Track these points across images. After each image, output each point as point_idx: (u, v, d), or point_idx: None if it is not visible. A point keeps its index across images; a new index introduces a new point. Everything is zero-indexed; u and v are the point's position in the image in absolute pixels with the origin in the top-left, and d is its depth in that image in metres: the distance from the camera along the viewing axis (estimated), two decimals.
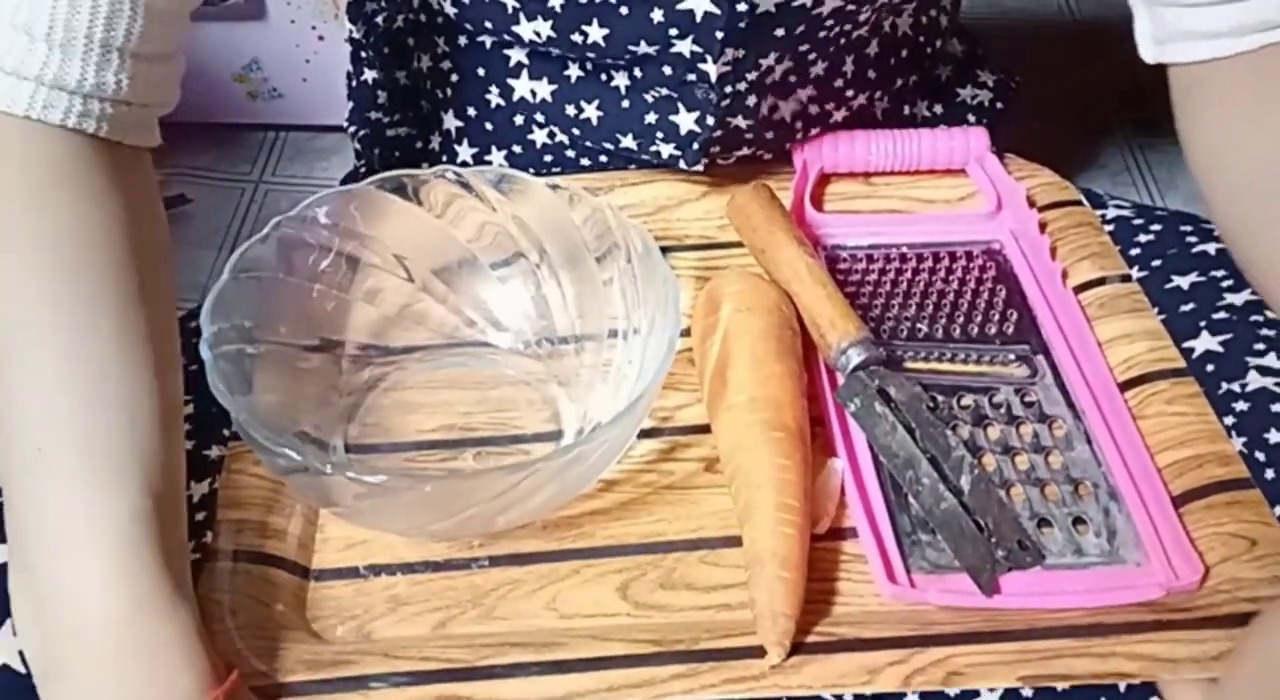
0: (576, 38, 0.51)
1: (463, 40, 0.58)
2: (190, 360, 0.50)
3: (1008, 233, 0.56)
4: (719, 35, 0.49)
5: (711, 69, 0.50)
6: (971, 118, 0.64)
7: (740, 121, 0.54)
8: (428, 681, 0.38)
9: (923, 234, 0.56)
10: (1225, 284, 0.50)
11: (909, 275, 0.54)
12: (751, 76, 0.52)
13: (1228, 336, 0.48)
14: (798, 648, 0.39)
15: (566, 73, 0.56)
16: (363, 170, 0.63)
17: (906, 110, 0.62)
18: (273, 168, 1.08)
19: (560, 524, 0.45)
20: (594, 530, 0.44)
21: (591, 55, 0.52)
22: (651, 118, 0.55)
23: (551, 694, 0.38)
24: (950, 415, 0.48)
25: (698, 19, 0.48)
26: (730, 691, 0.38)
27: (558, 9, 0.50)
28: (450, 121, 0.61)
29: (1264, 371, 0.46)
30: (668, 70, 0.52)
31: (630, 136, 0.56)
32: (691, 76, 0.51)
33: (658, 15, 0.49)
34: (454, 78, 0.60)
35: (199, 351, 0.41)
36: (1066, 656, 0.39)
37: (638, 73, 0.53)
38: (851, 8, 0.51)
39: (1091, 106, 1.04)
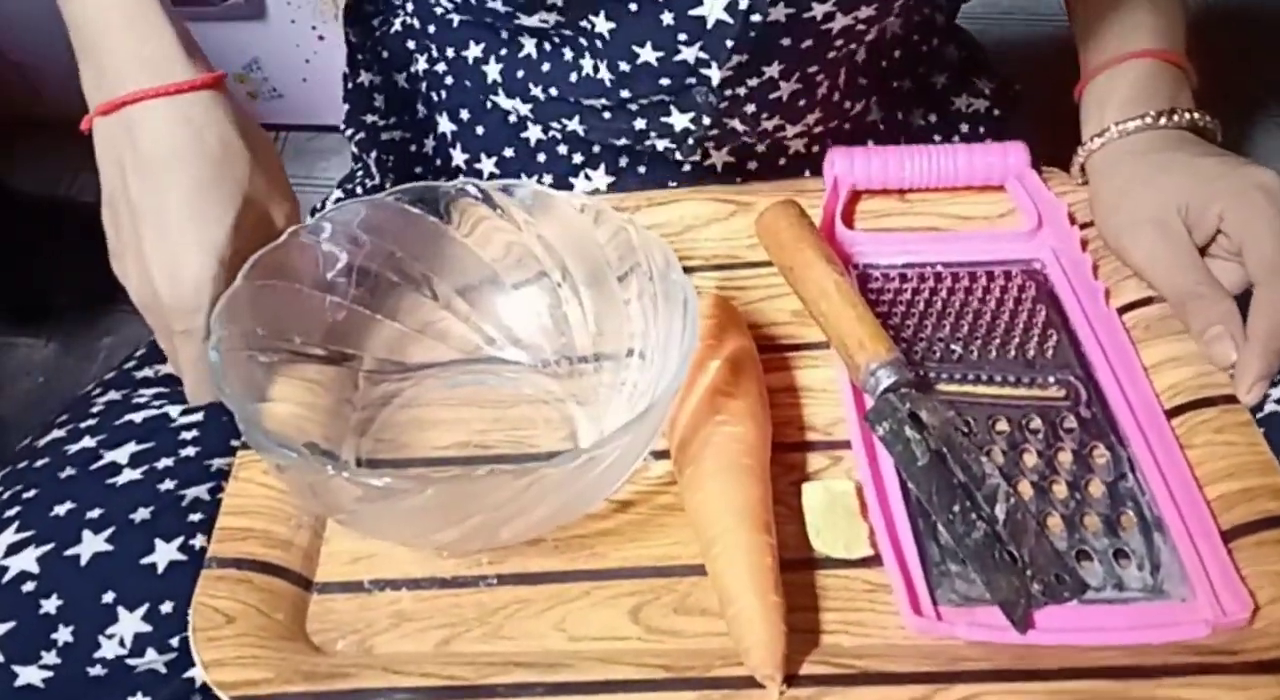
0: (584, 24, 0.50)
1: (450, 52, 0.58)
2: None
3: (1049, 251, 0.54)
4: (729, 43, 0.48)
5: (715, 74, 0.49)
6: (966, 127, 0.63)
7: (737, 125, 0.53)
8: (428, 699, 0.37)
9: (959, 253, 0.54)
10: None
11: (944, 295, 0.52)
12: (752, 82, 0.51)
13: None
14: (816, 680, 0.37)
15: (534, 93, 0.55)
16: (359, 172, 0.62)
17: (900, 116, 0.61)
18: None
19: (572, 544, 0.43)
20: (606, 551, 0.43)
21: (599, 44, 0.51)
22: (640, 123, 0.54)
23: None
24: (985, 440, 0.46)
25: (709, 26, 0.47)
26: None
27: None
28: (445, 125, 0.60)
29: None
30: (665, 81, 0.51)
31: (623, 138, 0.55)
32: (692, 80, 0.50)
33: (668, 18, 0.48)
34: (449, 81, 0.59)
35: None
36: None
37: (624, 92, 0.53)
38: (861, 27, 0.50)
39: None
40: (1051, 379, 0.48)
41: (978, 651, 0.38)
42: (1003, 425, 0.46)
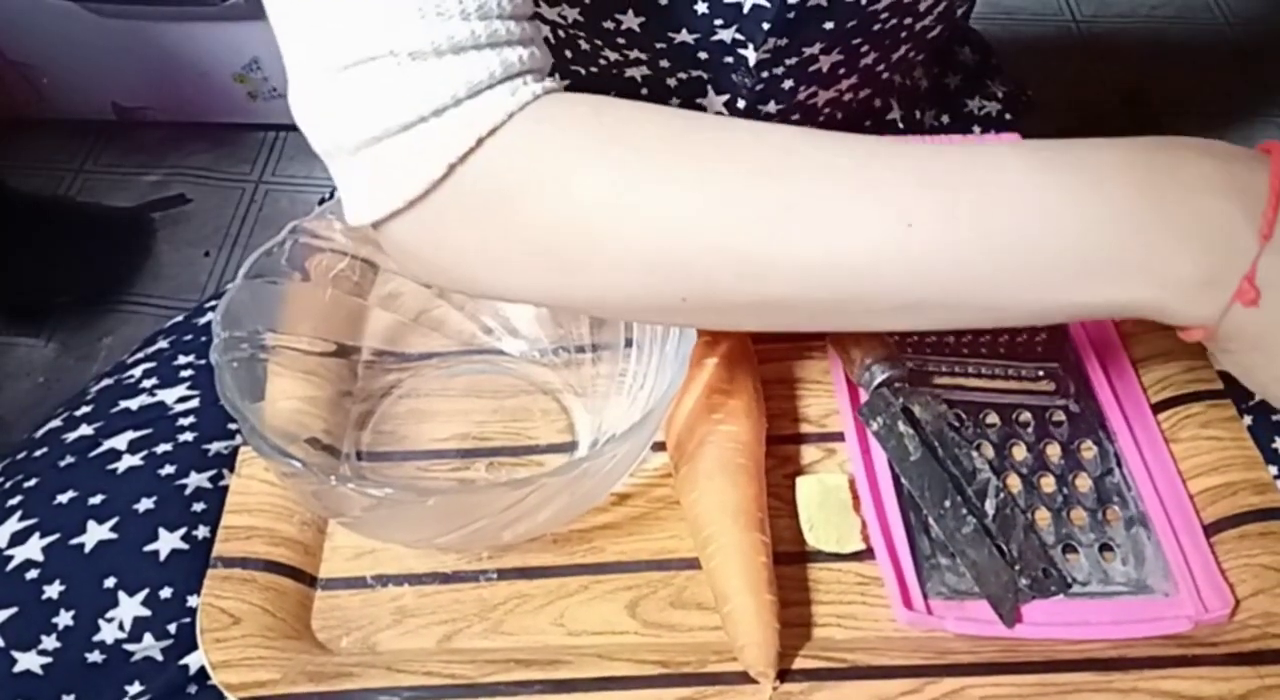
0: (608, 24, 0.50)
1: None
2: (200, 355, 0.51)
3: None
4: (765, 26, 0.47)
5: (751, 56, 0.49)
6: (978, 129, 0.63)
7: (771, 107, 0.53)
8: (431, 698, 0.38)
9: None
10: None
11: None
12: (791, 62, 0.50)
13: None
14: (808, 674, 0.38)
15: (575, 68, 0.55)
16: None
17: (918, 115, 0.61)
18: (273, 168, 1.09)
19: (571, 538, 0.44)
20: (605, 545, 0.44)
21: (621, 41, 0.51)
22: (674, 103, 0.53)
23: None
24: (976, 434, 0.46)
25: (745, 10, 0.47)
26: None
27: None
28: None
29: None
30: (703, 55, 0.50)
31: None
32: (729, 59, 0.50)
33: (702, 7, 0.47)
34: None
35: (207, 352, 0.40)
36: (1086, 691, 0.38)
37: (664, 63, 0.51)
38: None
39: (1092, 104, 1.03)
40: (1041, 373, 0.49)
41: (966, 644, 0.39)
42: (993, 418, 0.47)
